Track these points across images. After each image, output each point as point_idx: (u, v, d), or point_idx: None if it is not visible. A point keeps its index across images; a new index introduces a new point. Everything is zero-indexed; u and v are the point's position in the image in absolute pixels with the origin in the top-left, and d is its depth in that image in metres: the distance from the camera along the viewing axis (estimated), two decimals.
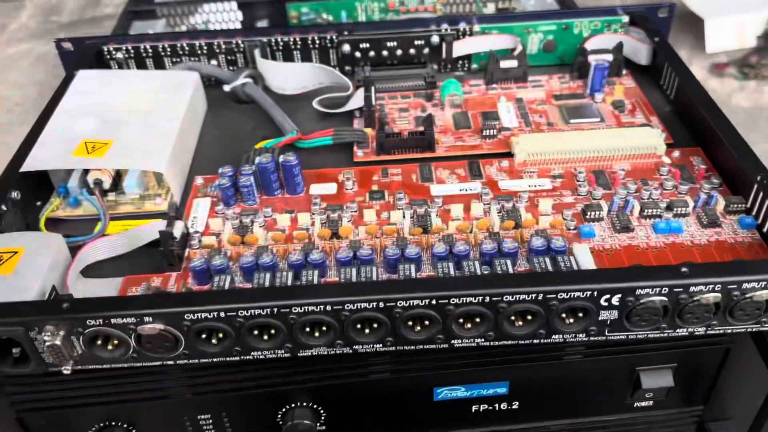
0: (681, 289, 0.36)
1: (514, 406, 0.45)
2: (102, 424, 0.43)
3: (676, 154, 0.49)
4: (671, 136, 0.51)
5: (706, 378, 0.45)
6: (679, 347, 0.43)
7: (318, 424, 0.44)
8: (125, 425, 0.43)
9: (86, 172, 0.48)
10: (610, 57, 0.57)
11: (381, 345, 0.38)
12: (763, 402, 0.41)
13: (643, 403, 0.46)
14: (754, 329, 0.38)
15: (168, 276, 0.42)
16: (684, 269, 0.36)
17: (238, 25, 0.76)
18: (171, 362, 0.38)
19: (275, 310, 0.36)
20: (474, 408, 0.45)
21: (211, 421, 0.43)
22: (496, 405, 0.45)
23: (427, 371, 0.42)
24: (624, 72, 0.58)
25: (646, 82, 0.58)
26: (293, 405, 0.43)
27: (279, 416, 0.44)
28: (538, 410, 0.46)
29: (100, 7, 1.66)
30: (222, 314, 0.36)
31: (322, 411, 0.44)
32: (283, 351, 0.38)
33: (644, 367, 0.44)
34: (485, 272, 0.40)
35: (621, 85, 0.57)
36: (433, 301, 0.36)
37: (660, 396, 0.46)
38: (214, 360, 0.38)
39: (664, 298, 0.36)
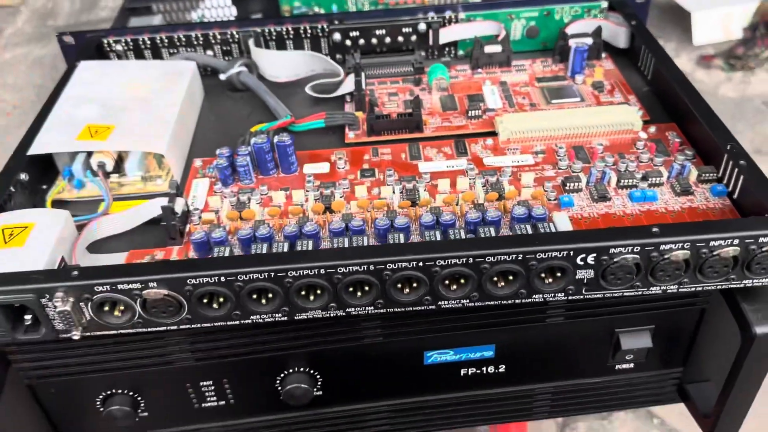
0: (652, 248, 0.38)
1: (500, 370, 0.48)
2: (108, 392, 0.45)
3: (652, 129, 0.52)
4: (648, 113, 0.54)
5: (683, 339, 0.48)
6: (656, 308, 0.45)
7: (315, 389, 0.46)
8: (131, 393, 0.45)
9: (89, 155, 0.50)
10: (589, 41, 0.59)
11: (372, 307, 0.40)
12: (735, 360, 0.43)
13: (624, 366, 0.49)
14: (723, 286, 0.41)
15: (170, 250, 0.44)
16: (655, 229, 0.38)
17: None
18: (175, 327, 0.40)
19: (272, 274, 0.38)
20: (463, 372, 0.47)
21: (213, 387, 0.46)
22: (484, 368, 0.47)
23: (417, 335, 0.45)
24: (603, 55, 0.61)
25: (625, 65, 0.60)
26: (291, 370, 0.45)
27: (277, 382, 0.46)
28: (524, 373, 0.48)
29: (96, 10, 1.68)
30: (222, 278, 0.38)
31: (318, 376, 0.46)
32: (280, 315, 0.40)
33: (624, 329, 0.46)
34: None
35: (600, 67, 0.60)
36: (420, 263, 0.38)
37: (640, 358, 0.48)
38: (216, 324, 0.40)
39: (636, 256, 0.38)
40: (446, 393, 0.49)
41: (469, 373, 0.48)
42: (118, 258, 0.44)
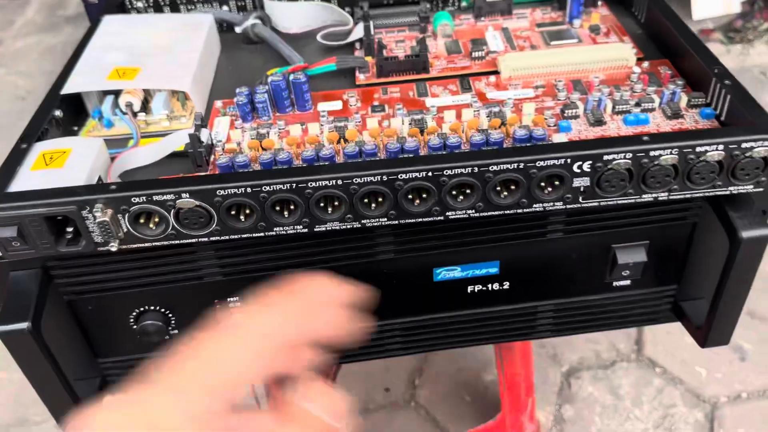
0: (643, 154, 0.41)
1: (505, 287, 0.51)
2: (141, 309, 0.48)
3: (646, 64, 0.55)
4: (641, 52, 0.57)
5: (677, 255, 0.51)
6: (650, 222, 0.48)
7: None
8: (163, 310, 0.49)
9: (117, 97, 0.53)
10: None
11: (386, 219, 0.44)
12: (724, 267, 0.46)
13: (621, 282, 0.52)
14: (709, 193, 0.44)
15: (197, 177, 0.47)
16: (645, 138, 0.42)
17: None
18: (205, 239, 0.43)
19: (294, 185, 0.41)
20: (470, 289, 0.51)
21: (239, 304, 0.49)
22: (489, 285, 0.51)
23: (426, 251, 0.48)
24: (599, 3, 0.64)
25: (620, 12, 0.63)
26: None
27: None
28: (527, 291, 0.52)
29: None
30: (248, 189, 0.41)
31: None
32: (301, 226, 0.43)
33: (619, 244, 0.49)
34: None
35: (597, 13, 0.63)
36: (430, 173, 0.42)
37: (636, 274, 0.51)
38: (243, 237, 0.44)
39: (629, 161, 0.41)
40: (455, 311, 0.52)
41: (476, 290, 0.51)
42: None
